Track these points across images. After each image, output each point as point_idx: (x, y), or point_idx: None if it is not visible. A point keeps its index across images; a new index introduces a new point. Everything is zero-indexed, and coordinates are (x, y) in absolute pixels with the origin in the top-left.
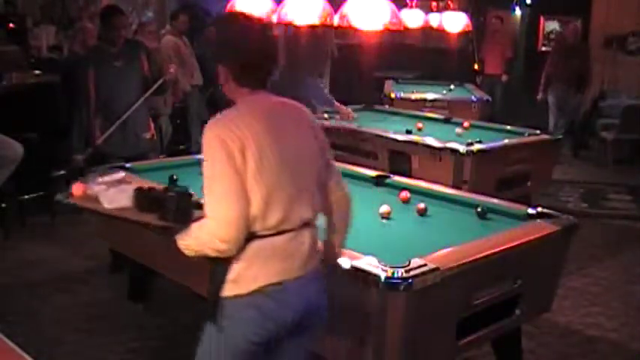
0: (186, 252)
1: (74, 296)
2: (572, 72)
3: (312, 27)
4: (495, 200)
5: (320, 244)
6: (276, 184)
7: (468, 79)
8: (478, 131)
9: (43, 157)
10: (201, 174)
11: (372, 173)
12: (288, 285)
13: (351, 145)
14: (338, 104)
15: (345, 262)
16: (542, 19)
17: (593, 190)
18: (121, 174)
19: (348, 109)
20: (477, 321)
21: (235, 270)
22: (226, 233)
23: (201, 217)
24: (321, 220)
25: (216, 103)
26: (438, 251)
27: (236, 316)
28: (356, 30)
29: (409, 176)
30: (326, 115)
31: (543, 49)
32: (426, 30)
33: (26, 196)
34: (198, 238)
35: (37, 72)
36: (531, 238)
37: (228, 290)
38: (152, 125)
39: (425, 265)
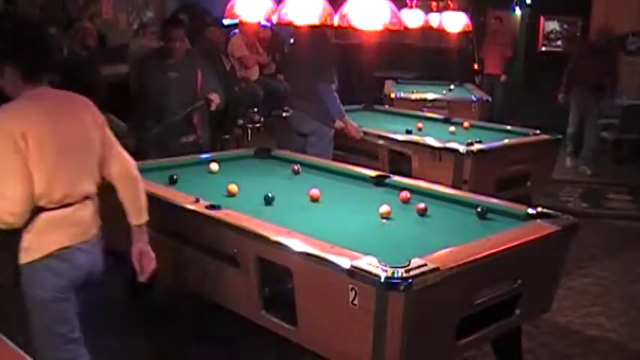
0: None
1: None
2: (596, 76)
3: (313, 28)
4: (495, 200)
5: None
6: (57, 165)
7: (467, 79)
8: (478, 131)
9: None
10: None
11: (372, 173)
12: (75, 249)
13: (351, 145)
14: (347, 119)
15: (345, 262)
16: (542, 19)
17: (593, 190)
18: None
19: (356, 127)
20: (477, 321)
21: (27, 239)
22: (12, 208)
23: None
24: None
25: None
26: (438, 251)
27: (34, 278)
28: (356, 30)
29: (409, 176)
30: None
31: (543, 49)
32: (426, 30)
33: None
34: None
35: None
36: (531, 238)
37: (23, 258)
38: (198, 127)
39: (425, 265)
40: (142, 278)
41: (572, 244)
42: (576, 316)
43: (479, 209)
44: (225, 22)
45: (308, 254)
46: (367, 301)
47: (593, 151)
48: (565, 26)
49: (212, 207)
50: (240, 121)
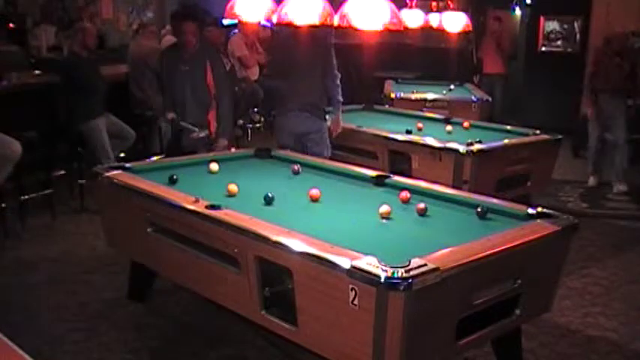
0: None
1: (74, 296)
2: (620, 80)
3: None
4: (495, 200)
5: None
6: None
7: (467, 79)
8: (478, 131)
9: (43, 157)
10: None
11: (372, 173)
12: None
13: (351, 145)
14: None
15: (345, 262)
16: (542, 19)
17: (593, 190)
18: None
19: (339, 127)
20: (477, 321)
21: None
22: None
23: None
24: None
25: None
26: (438, 251)
27: None
28: (356, 30)
29: (409, 176)
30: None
31: (543, 49)
32: (426, 30)
33: (26, 196)
34: None
35: (37, 72)
36: (531, 238)
37: None
38: (211, 123)
39: (425, 265)
40: None
41: (572, 244)
42: (576, 316)
43: (479, 209)
44: (225, 22)
45: (308, 254)
46: (367, 301)
47: (623, 162)
48: (565, 26)
49: (212, 207)
50: (240, 121)
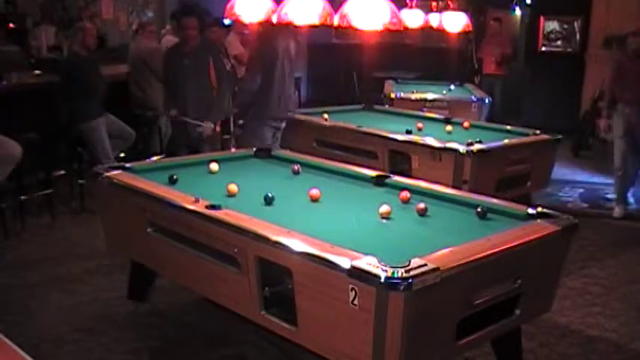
0: None
1: (74, 296)
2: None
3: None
4: (495, 200)
5: None
6: None
7: (467, 79)
8: (478, 131)
9: (43, 157)
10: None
11: (372, 173)
12: None
13: (351, 145)
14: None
15: (345, 262)
16: (542, 19)
17: (593, 190)
18: None
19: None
20: (477, 321)
21: None
22: None
23: None
24: None
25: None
26: (438, 251)
27: None
28: (356, 30)
29: (409, 176)
30: (325, 116)
31: (543, 49)
32: (426, 30)
33: (26, 196)
34: None
35: (37, 72)
36: (531, 238)
37: None
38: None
39: (425, 265)
40: None
41: (572, 244)
42: (576, 316)
43: (479, 209)
44: (226, 22)
45: (308, 254)
46: (367, 301)
47: None
48: (565, 26)
49: (212, 207)
50: (240, 121)
